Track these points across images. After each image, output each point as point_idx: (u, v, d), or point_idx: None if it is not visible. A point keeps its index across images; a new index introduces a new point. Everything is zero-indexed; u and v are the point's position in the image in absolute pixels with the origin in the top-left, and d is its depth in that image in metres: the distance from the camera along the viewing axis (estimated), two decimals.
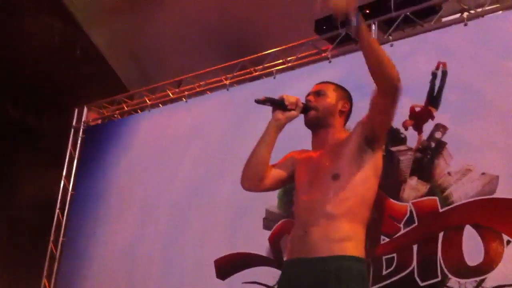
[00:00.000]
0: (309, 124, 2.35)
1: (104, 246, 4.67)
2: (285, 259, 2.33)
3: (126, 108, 5.23)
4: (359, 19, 1.98)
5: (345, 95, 2.42)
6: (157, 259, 4.24)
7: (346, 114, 2.40)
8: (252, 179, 2.35)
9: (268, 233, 3.63)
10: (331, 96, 2.35)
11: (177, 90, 4.84)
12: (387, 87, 2.07)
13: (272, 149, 2.32)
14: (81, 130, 5.36)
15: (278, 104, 2.27)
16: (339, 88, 2.42)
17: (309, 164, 2.33)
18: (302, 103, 2.31)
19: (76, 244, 4.90)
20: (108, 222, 4.75)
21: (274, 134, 2.30)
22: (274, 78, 4.11)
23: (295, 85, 3.67)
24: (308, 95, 2.38)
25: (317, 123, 2.32)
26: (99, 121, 5.46)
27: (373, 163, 2.22)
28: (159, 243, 4.28)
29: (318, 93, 2.35)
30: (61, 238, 5.02)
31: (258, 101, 2.25)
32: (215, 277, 3.81)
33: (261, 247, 3.62)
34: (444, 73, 3.12)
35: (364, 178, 2.20)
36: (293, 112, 2.27)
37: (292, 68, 4.13)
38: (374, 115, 2.20)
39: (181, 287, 4.00)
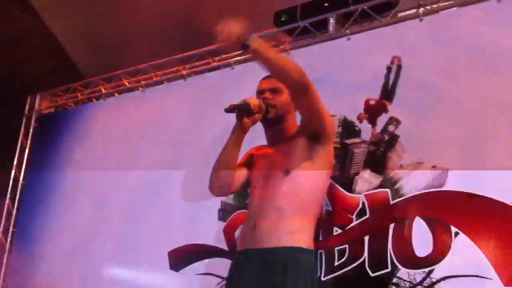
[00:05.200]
0: (267, 122, 2.34)
1: (56, 239, 4.58)
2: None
3: (80, 96, 5.12)
4: (251, 41, 1.99)
5: None
6: (112, 251, 4.18)
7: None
8: (223, 187, 2.33)
9: (223, 225, 3.62)
10: (287, 92, 2.34)
11: (133, 79, 4.77)
12: (296, 88, 2.11)
13: (239, 154, 2.30)
14: (33, 119, 5.23)
15: (244, 110, 2.25)
16: None
17: (265, 159, 2.33)
18: (264, 104, 2.30)
19: (27, 236, 4.78)
20: (61, 214, 4.65)
21: (241, 139, 2.28)
22: (232, 69, 4.10)
23: (253, 77, 3.63)
24: (263, 91, 2.34)
25: (275, 121, 2.32)
26: (53, 110, 5.34)
27: (324, 157, 2.24)
28: (114, 235, 4.22)
29: (275, 90, 2.33)
30: (11, 229, 4.89)
31: (227, 110, 2.23)
32: (169, 268, 3.78)
33: (216, 238, 3.61)
34: (399, 68, 3.16)
35: (315, 173, 2.21)
36: (257, 115, 2.26)
37: (251, 59, 4.10)
38: (303, 115, 2.24)
39: (136, 280, 3.96)
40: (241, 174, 2.38)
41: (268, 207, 2.17)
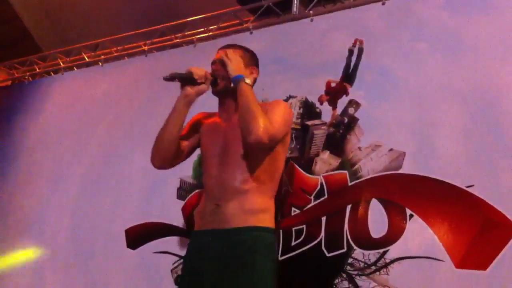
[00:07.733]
0: (217, 93, 2.30)
1: (9, 215, 4.47)
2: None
3: (38, 69, 4.98)
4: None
5: (253, 60, 2.36)
6: (67, 228, 4.11)
7: (254, 80, 2.35)
8: (165, 158, 2.27)
9: (181, 203, 3.60)
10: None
11: (93, 53, 4.66)
12: (250, 142, 2.07)
13: (182, 125, 2.25)
14: None
15: (187, 79, 2.20)
16: (247, 52, 2.36)
17: (218, 133, 2.29)
18: (211, 74, 2.25)
19: None
20: (15, 189, 4.54)
21: (185, 110, 2.22)
22: (195, 46, 4.04)
23: (215, 55, 3.61)
24: (214, 62, 2.31)
25: (226, 93, 2.28)
26: (9, 83, 5.18)
27: (281, 142, 2.24)
28: (69, 212, 4.14)
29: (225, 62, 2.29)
30: None
31: (166, 79, 2.16)
32: (126, 246, 3.75)
33: (175, 217, 3.58)
34: (361, 50, 3.18)
35: (274, 156, 2.22)
36: (203, 86, 2.21)
37: (213, 37, 4.07)
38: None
39: (92, 257, 3.90)
40: (185, 145, 2.33)
41: (229, 189, 2.15)
